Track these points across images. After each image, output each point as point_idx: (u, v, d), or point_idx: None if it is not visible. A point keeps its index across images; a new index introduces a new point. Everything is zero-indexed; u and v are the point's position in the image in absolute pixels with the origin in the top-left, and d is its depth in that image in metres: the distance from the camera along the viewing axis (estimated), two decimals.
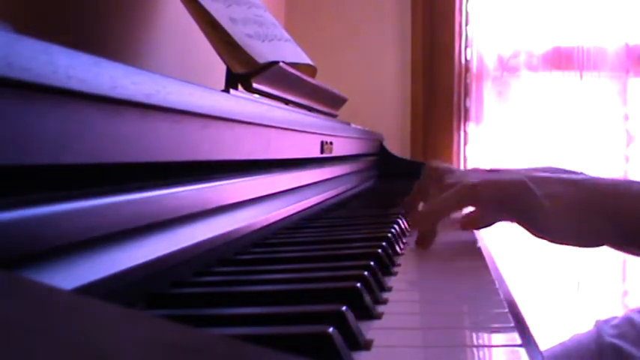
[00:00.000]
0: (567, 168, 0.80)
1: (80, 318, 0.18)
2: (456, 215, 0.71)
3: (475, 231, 0.78)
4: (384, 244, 0.58)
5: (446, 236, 0.76)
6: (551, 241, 0.59)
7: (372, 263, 0.48)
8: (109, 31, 0.84)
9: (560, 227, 0.58)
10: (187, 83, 0.46)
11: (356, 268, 0.47)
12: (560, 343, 0.94)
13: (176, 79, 0.44)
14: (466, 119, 1.87)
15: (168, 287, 0.43)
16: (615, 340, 0.86)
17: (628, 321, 0.89)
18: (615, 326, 0.89)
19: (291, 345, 0.30)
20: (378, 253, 0.55)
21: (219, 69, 0.80)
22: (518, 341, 0.34)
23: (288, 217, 0.73)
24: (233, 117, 0.56)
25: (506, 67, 1.85)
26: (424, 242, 0.67)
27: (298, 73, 0.90)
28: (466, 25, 1.86)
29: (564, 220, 0.57)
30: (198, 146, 0.49)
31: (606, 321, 0.92)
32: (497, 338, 0.37)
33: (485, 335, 0.37)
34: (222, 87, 0.71)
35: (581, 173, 0.71)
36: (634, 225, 0.57)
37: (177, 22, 1.00)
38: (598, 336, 0.89)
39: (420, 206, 0.79)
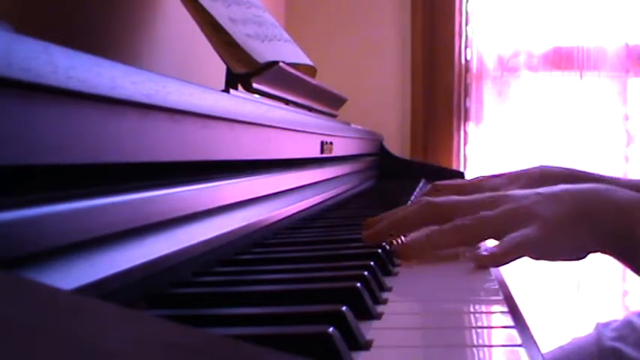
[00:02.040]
0: (559, 166, 0.79)
1: (80, 318, 0.18)
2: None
3: None
4: (383, 244, 0.58)
5: None
6: (548, 259, 0.59)
7: (372, 263, 0.48)
8: (109, 31, 0.85)
9: (552, 246, 0.57)
10: (187, 83, 0.46)
11: (356, 268, 0.47)
12: (560, 347, 0.94)
13: (176, 79, 0.44)
14: (466, 119, 1.87)
15: (169, 287, 0.43)
16: (616, 343, 0.86)
17: (628, 324, 0.89)
18: (615, 329, 0.89)
19: (291, 345, 0.30)
20: (378, 253, 0.55)
21: (219, 69, 0.80)
22: (518, 341, 0.34)
23: (288, 217, 0.73)
24: (233, 117, 0.56)
25: (506, 67, 1.85)
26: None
27: (298, 73, 0.90)
28: (466, 25, 1.86)
29: (555, 239, 0.57)
30: (198, 146, 0.49)
31: (606, 324, 0.92)
32: (497, 338, 0.37)
33: (485, 335, 0.37)
34: (222, 87, 0.71)
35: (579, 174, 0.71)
36: (612, 229, 0.57)
37: (177, 22, 1.00)
38: (598, 339, 0.89)
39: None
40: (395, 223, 0.62)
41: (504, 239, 0.56)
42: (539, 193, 0.60)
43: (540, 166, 0.81)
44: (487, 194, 0.63)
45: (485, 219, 0.58)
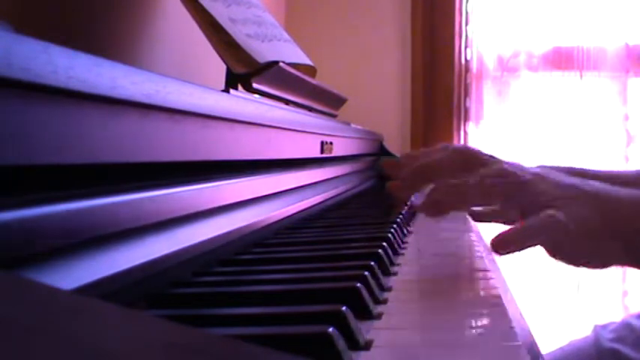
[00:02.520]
0: (578, 167, 0.78)
1: (80, 318, 0.18)
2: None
3: (475, 232, 0.78)
4: (384, 244, 0.58)
5: (446, 236, 0.76)
6: (568, 263, 0.55)
7: (372, 263, 0.48)
8: (108, 31, 0.84)
9: (580, 251, 0.54)
10: (187, 83, 0.46)
11: (356, 268, 0.47)
12: (559, 348, 0.94)
13: (176, 79, 0.44)
14: (466, 119, 1.88)
15: (169, 287, 0.43)
16: (614, 345, 0.86)
17: (626, 325, 0.89)
18: (614, 330, 0.89)
19: (291, 345, 0.30)
20: (378, 253, 0.54)
21: (219, 69, 0.80)
22: (519, 341, 0.34)
23: (288, 217, 0.73)
24: (233, 117, 0.56)
25: (506, 67, 1.85)
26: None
27: (298, 73, 0.90)
28: (466, 25, 1.86)
29: (585, 244, 0.53)
30: (198, 146, 0.49)
31: (604, 326, 0.92)
32: (497, 338, 0.36)
33: (485, 335, 0.37)
34: (222, 87, 0.71)
35: (597, 173, 0.69)
36: None
37: (177, 21, 1.00)
38: (596, 341, 0.89)
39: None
40: (425, 166, 0.60)
41: (529, 219, 0.53)
42: (574, 186, 0.56)
43: (539, 167, 0.81)
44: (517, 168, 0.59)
45: (517, 182, 0.55)
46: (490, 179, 0.56)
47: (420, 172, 0.60)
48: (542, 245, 0.55)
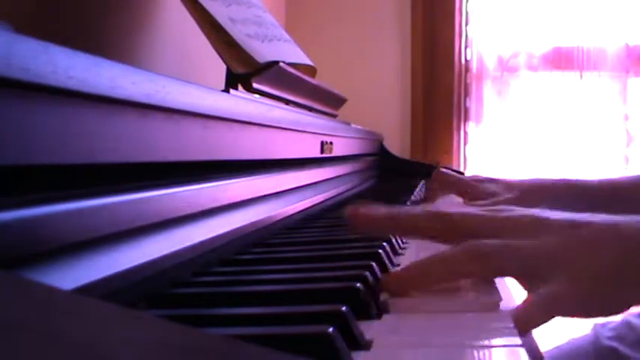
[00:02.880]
0: (574, 179, 0.77)
1: (80, 318, 0.18)
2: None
3: None
4: (384, 244, 0.58)
5: None
6: (580, 316, 0.44)
7: (372, 263, 0.48)
8: (108, 31, 0.84)
9: (587, 305, 0.44)
10: (187, 83, 0.46)
11: (356, 268, 0.47)
12: (557, 347, 0.94)
13: (176, 78, 0.44)
14: (466, 119, 1.88)
15: (169, 287, 0.43)
16: (613, 344, 0.86)
17: (626, 324, 0.89)
18: (613, 329, 0.89)
19: (291, 345, 0.30)
20: (378, 253, 0.54)
21: (219, 69, 0.80)
22: (519, 341, 0.34)
23: (288, 217, 0.73)
24: (233, 117, 0.56)
25: (506, 67, 1.85)
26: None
27: (298, 73, 0.90)
28: (466, 25, 1.86)
29: (592, 296, 0.44)
30: (198, 146, 0.49)
31: (604, 324, 0.92)
32: (498, 338, 0.36)
33: (486, 335, 0.37)
34: (222, 87, 0.71)
35: (596, 183, 0.67)
36: None
37: (176, 22, 1.00)
38: (595, 339, 0.89)
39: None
40: (396, 217, 0.50)
41: (532, 300, 0.43)
42: (575, 224, 0.46)
43: (535, 179, 0.81)
44: (510, 211, 0.49)
45: (510, 249, 0.45)
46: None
47: (386, 218, 0.51)
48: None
